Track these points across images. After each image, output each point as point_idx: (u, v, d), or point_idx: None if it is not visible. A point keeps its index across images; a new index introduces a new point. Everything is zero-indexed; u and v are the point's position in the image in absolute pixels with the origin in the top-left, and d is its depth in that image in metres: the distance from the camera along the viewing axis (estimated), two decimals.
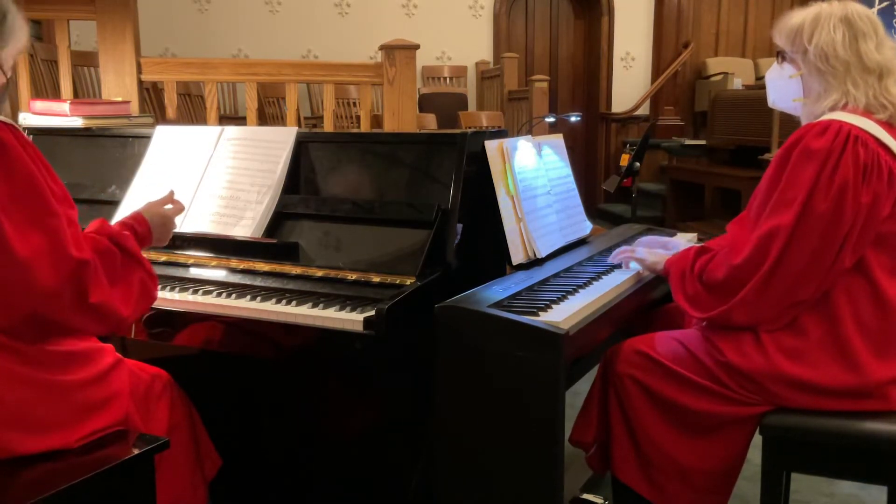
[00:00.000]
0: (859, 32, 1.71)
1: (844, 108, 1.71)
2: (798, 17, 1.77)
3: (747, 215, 1.80)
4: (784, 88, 1.84)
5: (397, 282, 1.86)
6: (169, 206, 1.89)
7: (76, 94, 4.22)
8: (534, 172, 2.25)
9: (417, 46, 4.25)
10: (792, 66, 1.80)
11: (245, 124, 4.20)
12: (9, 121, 1.45)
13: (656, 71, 8.56)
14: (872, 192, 1.64)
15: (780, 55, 1.83)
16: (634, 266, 2.10)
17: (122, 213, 2.23)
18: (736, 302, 1.72)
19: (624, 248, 2.16)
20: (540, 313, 1.66)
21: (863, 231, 1.65)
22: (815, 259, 1.65)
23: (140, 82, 3.94)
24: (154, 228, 1.77)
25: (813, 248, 1.64)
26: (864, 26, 1.72)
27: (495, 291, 1.78)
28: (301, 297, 1.86)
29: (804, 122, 1.77)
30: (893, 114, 1.71)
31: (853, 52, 1.70)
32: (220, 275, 2.05)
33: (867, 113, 1.70)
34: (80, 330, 1.53)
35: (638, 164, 3.43)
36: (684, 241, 2.34)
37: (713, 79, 8.23)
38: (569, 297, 1.80)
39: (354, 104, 6.33)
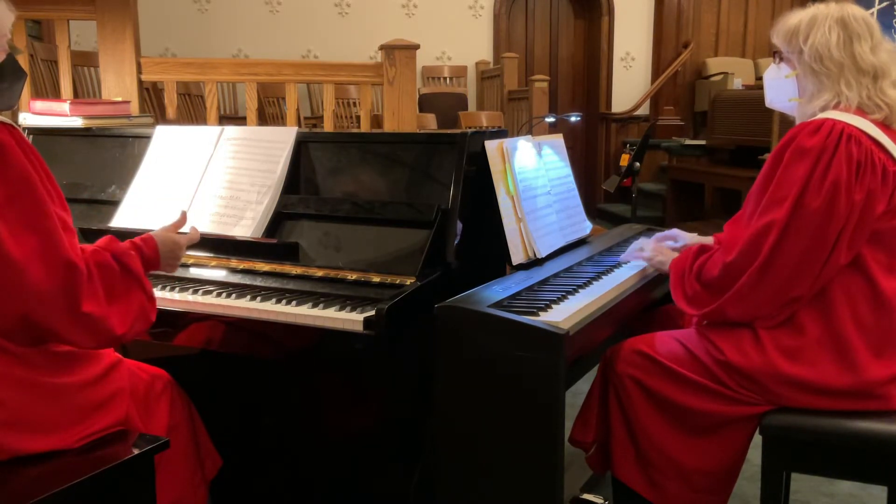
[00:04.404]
0: (854, 34, 1.72)
1: (836, 107, 1.72)
2: (795, 17, 1.79)
3: (743, 214, 1.81)
4: (780, 88, 1.85)
5: (397, 282, 1.86)
6: (182, 232, 1.84)
7: (76, 94, 4.22)
8: (534, 172, 2.25)
9: (417, 46, 4.25)
10: (788, 67, 1.82)
11: (245, 124, 4.20)
12: (8, 121, 1.45)
13: (656, 71, 8.55)
14: (866, 189, 1.65)
15: (777, 55, 1.84)
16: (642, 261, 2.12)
17: (122, 213, 2.24)
18: (730, 296, 1.73)
19: (633, 247, 2.16)
20: (540, 313, 1.66)
21: (857, 228, 1.66)
22: (808, 255, 1.66)
23: (140, 82, 3.94)
24: (162, 253, 1.71)
25: (806, 244, 1.65)
26: (860, 28, 1.73)
27: (495, 291, 1.78)
28: (301, 297, 1.86)
29: (798, 121, 1.79)
30: (889, 115, 1.72)
31: (847, 54, 1.72)
32: (220, 275, 2.05)
33: (861, 112, 1.71)
34: (71, 341, 1.50)
35: (638, 164, 3.44)
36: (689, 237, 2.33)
37: (713, 79, 8.22)
38: (569, 297, 1.80)
39: (354, 104, 6.33)
